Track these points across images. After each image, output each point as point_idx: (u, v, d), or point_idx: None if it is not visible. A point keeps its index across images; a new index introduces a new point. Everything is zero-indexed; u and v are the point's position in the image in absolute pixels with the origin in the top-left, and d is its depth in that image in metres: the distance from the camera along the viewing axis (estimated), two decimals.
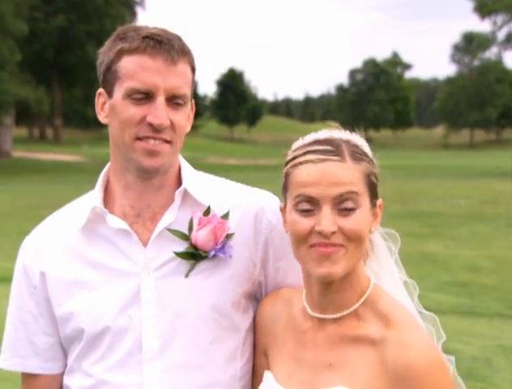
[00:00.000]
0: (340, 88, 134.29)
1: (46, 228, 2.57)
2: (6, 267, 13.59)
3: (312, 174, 2.25)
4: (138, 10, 78.79)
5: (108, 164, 2.55)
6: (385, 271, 2.48)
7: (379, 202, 2.36)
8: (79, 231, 2.49)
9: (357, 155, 2.29)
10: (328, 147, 2.27)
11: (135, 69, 2.37)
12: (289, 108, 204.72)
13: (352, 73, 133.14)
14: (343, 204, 2.24)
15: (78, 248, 2.49)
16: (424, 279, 13.10)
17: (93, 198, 2.51)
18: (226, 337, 2.47)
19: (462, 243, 18.83)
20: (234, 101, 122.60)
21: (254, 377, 2.54)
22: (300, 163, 2.28)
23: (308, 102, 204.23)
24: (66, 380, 2.53)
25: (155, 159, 2.40)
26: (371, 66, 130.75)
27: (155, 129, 2.38)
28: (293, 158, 2.32)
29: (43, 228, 2.58)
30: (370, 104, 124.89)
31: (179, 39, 2.43)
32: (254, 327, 2.54)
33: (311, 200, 2.25)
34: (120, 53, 2.40)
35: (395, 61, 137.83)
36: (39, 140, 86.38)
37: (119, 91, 2.40)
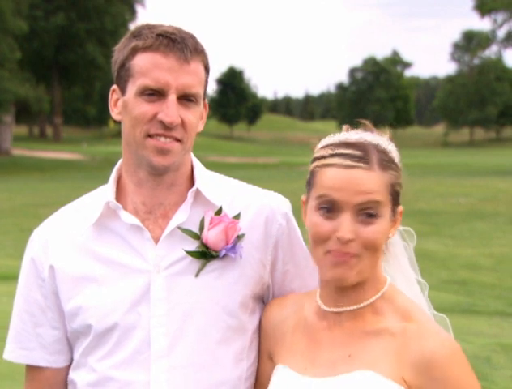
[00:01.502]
0: (340, 87, 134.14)
1: (56, 222, 2.56)
2: (6, 264, 13.57)
3: (339, 179, 2.25)
4: (138, 8, 78.76)
5: (121, 159, 2.55)
6: (398, 270, 2.50)
7: (399, 209, 2.37)
8: (91, 226, 2.49)
9: (385, 162, 2.29)
10: (357, 153, 2.27)
11: (148, 66, 2.38)
12: (289, 106, 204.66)
13: (352, 71, 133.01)
14: (364, 212, 2.25)
15: (88, 243, 2.49)
16: (424, 277, 13.06)
17: (106, 193, 2.51)
18: (233, 338, 2.47)
19: (461, 241, 18.85)
20: (234, 100, 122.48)
21: (256, 382, 2.54)
22: (328, 165, 2.28)
23: (308, 100, 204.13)
24: (72, 375, 2.53)
25: (165, 157, 2.41)
26: (371, 64, 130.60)
27: (166, 127, 2.38)
28: (321, 157, 2.32)
29: (52, 221, 2.58)
30: (370, 103, 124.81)
31: (193, 38, 2.44)
32: (259, 330, 2.54)
33: (334, 203, 2.26)
34: (134, 51, 2.41)
35: (395, 60, 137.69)
36: (39, 138, 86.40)
37: (132, 89, 2.41)
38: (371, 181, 2.25)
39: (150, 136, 2.40)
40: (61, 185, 34.10)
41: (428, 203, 26.39)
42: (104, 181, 2.58)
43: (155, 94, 2.38)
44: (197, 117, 2.45)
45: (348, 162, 2.26)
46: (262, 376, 2.51)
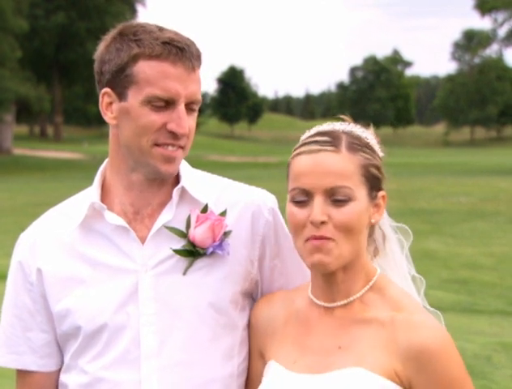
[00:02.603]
0: (341, 86, 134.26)
1: (42, 225, 2.56)
2: (5, 263, 13.59)
3: (305, 165, 2.27)
4: (139, 7, 78.77)
5: (106, 160, 2.55)
6: (393, 266, 2.49)
7: (381, 194, 2.36)
8: (77, 227, 2.48)
9: (355, 145, 2.30)
10: (325, 138, 2.30)
11: (156, 76, 2.35)
12: (290, 105, 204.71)
13: (353, 70, 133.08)
14: (335, 196, 2.26)
15: (75, 244, 2.48)
16: (425, 276, 12.91)
17: (91, 194, 2.50)
18: (224, 335, 2.47)
19: (462, 240, 18.83)
20: (235, 99, 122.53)
21: (247, 380, 2.53)
22: (297, 154, 2.32)
23: (308, 99, 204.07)
24: (63, 378, 2.52)
25: (171, 164, 2.41)
26: (371, 63, 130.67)
27: (175, 136, 2.38)
28: (294, 150, 2.36)
29: (38, 224, 2.57)
30: (371, 102, 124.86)
31: (194, 44, 2.42)
32: (249, 329, 2.53)
33: (305, 192, 2.27)
34: (136, 57, 2.36)
35: (396, 59, 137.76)
36: (39, 138, 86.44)
37: (136, 97, 2.37)
38: (338, 163, 2.26)
39: (157, 145, 2.39)
40: (62, 185, 34.11)
41: (428, 202, 26.38)
42: None
43: (164, 104, 2.37)
44: (195, 122, 2.46)
45: (315, 147, 2.28)
46: (253, 374, 2.51)
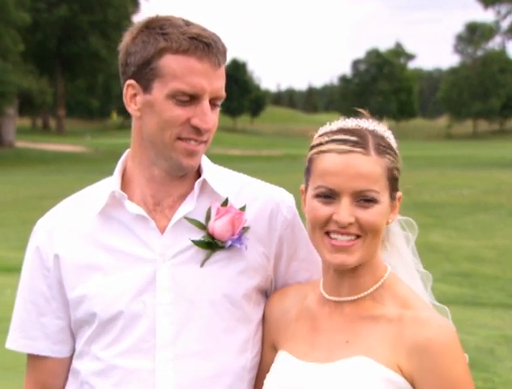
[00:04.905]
0: (343, 79, 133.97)
1: (61, 212, 2.57)
2: (9, 256, 13.59)
3: (335, 164, 2.27)
4: (141, 0, 78.48)
5: (127, 151, 2.56)
6: (399, 261, 2.51)
7: (398, 194, 2.38)
8: (96, 215, 2.50)
9: (382, 147, 2.31)
10: (354, 138, 2.29)
11: (182, 70, 2.37)
12: (292, 98, 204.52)
13: (355, 63, 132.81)
14: (362, 198, 2.27)
15: (94, 232, 2.50)
16: (427, 269, 12.95)
17: (111, 183, 2.51)
18: (238, 327, 2.49)
19: (465, 233, 18.84)
20: (237, 92, 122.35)
21: (259, 372, 2.55)
22: (325, 151, 2.31)
23: (311, 93, 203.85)
24: (76, 364, 2.54)
25: (194, 159, 2.44)
26: (374, 56, 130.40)
27: (199, 131, 2.40)
28: (318, 144, 2.34)
29: (57, 211, 2.59)
30: (373, 95, 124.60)
31: (220, 39, 2.44)
32: (263, 322, 2.55)
33: (332, 191, 2.28)
34: (162, 51, 2.38)
35: (398, 52, 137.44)
36: (42, 131, 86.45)
37: (161, 90, 2.39)
38: (368, 166, 2.27)
39: (180, 139, 2.41)
40: (65, 178, 34.12)
41: (431, 195, 26.36)
42: (108, 173, 2.60)
43: (189, 99, 2.38)
44: (217, 117, 2.48)
45: (345, 147, 2.28)
46: (265, 366, 2.52)
